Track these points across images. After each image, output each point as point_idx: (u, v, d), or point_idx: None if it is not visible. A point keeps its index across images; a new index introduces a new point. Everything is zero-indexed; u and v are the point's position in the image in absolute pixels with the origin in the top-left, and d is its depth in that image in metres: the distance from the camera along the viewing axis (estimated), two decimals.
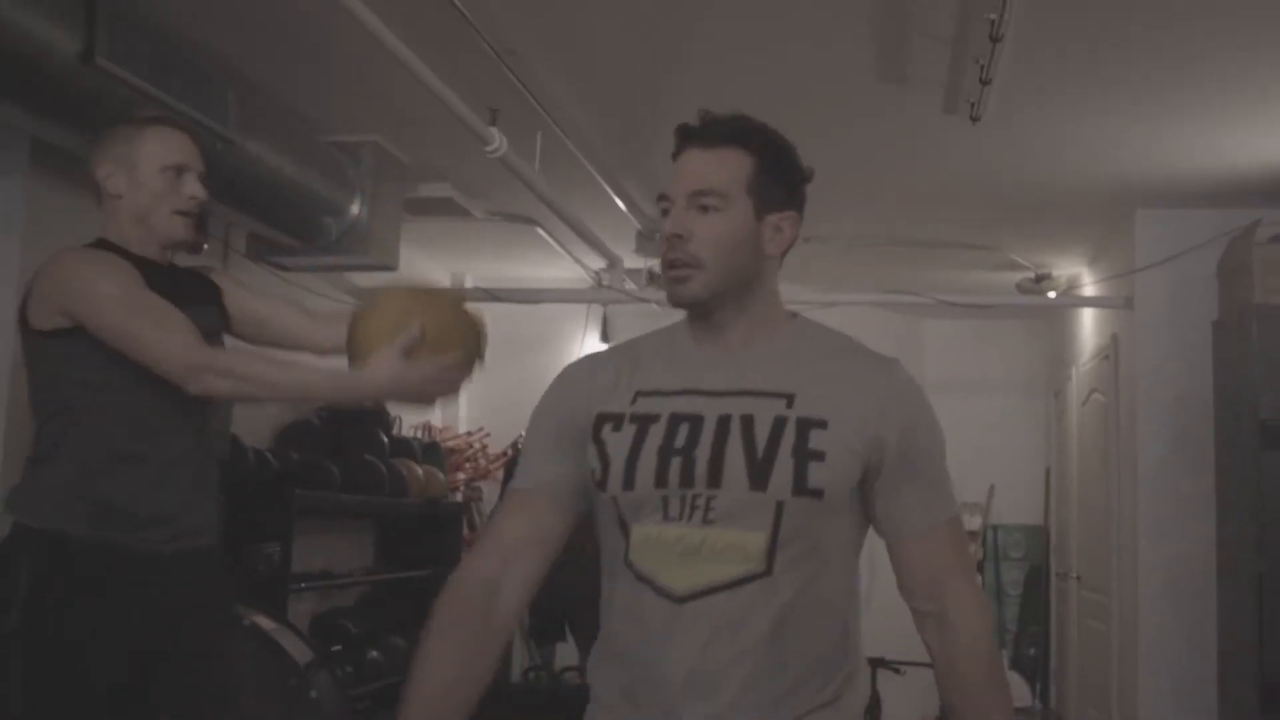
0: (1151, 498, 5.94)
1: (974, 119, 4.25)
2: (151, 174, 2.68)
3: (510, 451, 7.06)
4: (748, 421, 1.82)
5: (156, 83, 3.53)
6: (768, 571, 1.78)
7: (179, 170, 2.70)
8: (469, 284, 7.12)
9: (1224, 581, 5.66)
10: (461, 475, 6.96)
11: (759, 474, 1.78)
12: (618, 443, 1.84)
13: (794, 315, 1.99)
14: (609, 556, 1.89)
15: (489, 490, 7.14)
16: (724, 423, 1.81)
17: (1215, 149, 5.12)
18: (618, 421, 1.86)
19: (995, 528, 8.84)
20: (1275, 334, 5.31)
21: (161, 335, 2.52)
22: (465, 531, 6.69)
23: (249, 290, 2.97)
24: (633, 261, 6.63)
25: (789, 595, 1.80)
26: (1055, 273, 7.16)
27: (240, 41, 4.05)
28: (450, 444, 6.94)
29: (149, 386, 2.55)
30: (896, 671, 6.86)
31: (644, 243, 6.26)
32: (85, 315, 2.54)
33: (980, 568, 8.74)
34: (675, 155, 1.92)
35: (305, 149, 4.60)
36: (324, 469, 5.14)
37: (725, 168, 1.88)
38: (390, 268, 5.09)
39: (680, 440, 1.81)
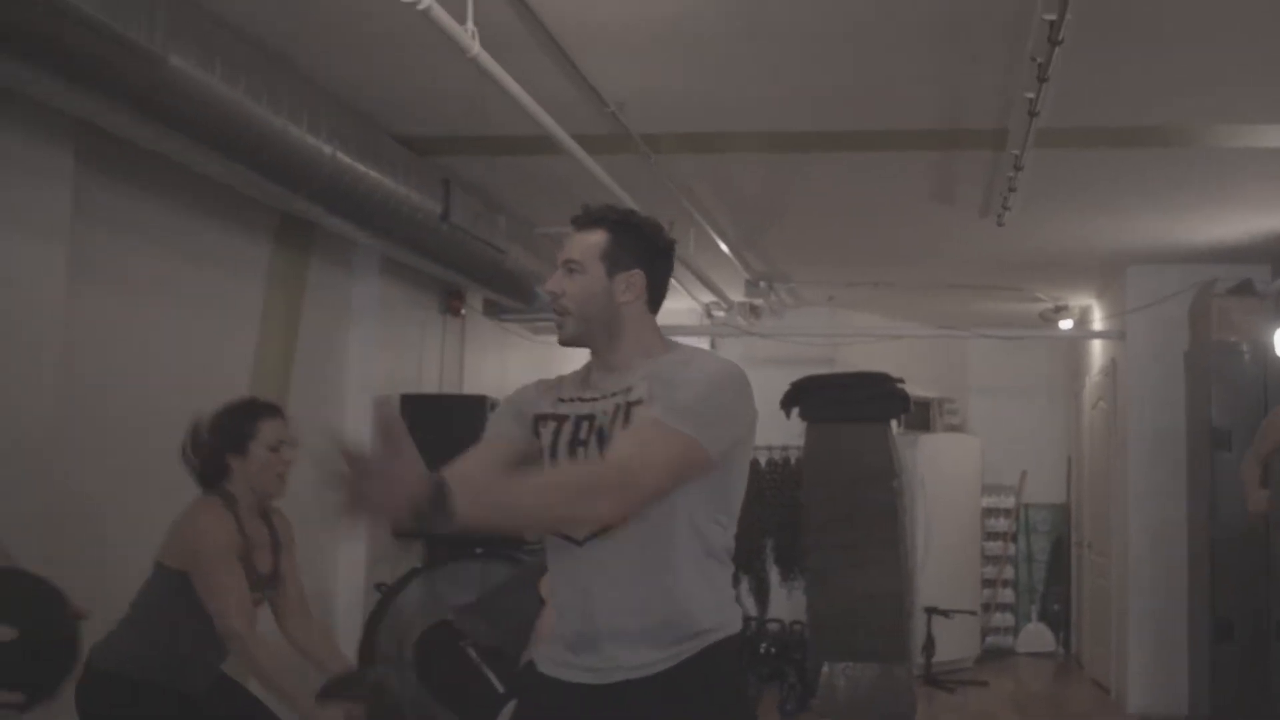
0: (1138, 483, 7.81)
1: (999, 224, 6.12)
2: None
3: None
4: (605, 413, 2.46)
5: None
6: None
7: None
8: None
9: (1190, 546, 7.54)
10: None
11: (604, 445, 2.43)
12: (546, 432, 2.53)
13: (674, 346, 2.56)
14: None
15: None
16: (592, 417, 2.47)
17: (1183, 227, 6.93)
18: (545, 419, 2.55)
19: (1026, 506, 10.67)
20: (1227, 363, 7.18)
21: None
22: None
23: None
24: (738, 297, 8.53)
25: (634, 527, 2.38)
26: (1070, 304, 9.05)
27: (481, 166, 5.78)
28: None
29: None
30: (946, 616, 8.77)
31: (750, 287, 8.21)
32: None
33: (1014, 538, 10.63)
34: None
35: (525, 239, 6.55)
36: None
37: (585, 243, 2.51)
38: None
39: (579, 430, 2.47)
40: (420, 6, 3.24)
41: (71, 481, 3.92)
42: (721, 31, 4.15)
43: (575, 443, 2.48)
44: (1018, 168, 5.12)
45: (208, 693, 3.42)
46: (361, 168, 4.58)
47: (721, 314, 8.55)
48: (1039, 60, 3.89)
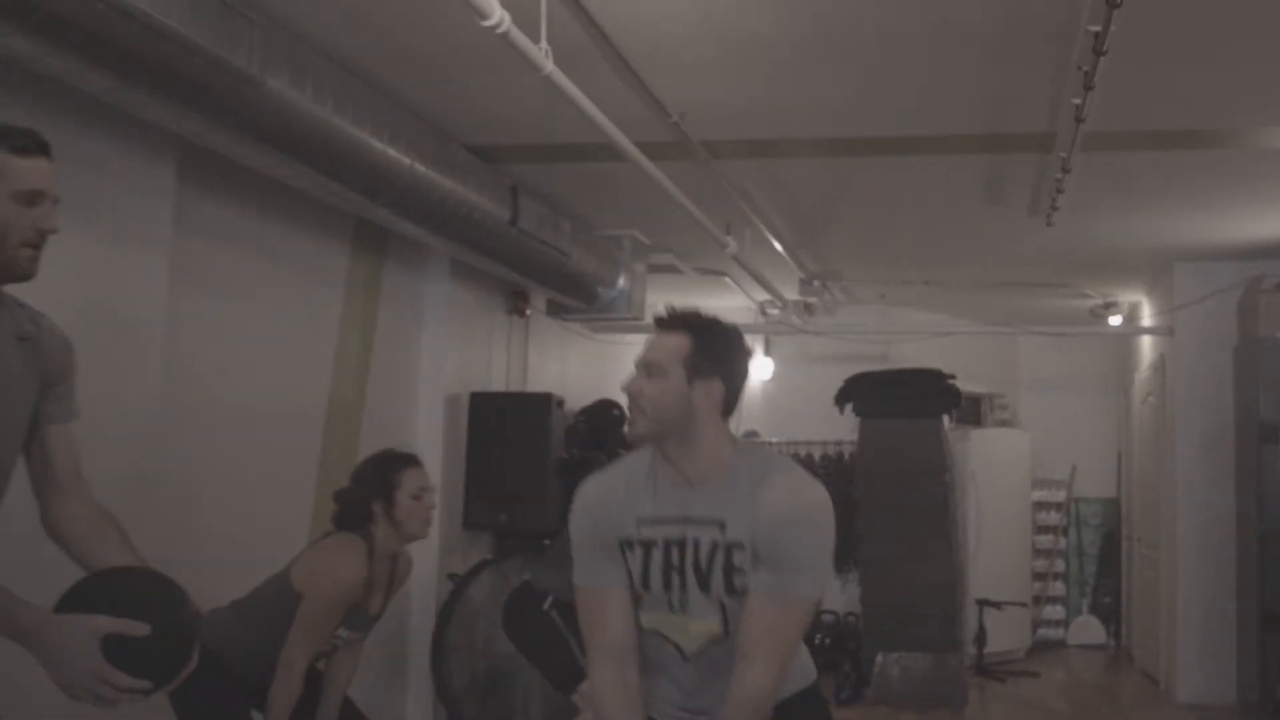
0: (1187, 477, 7.95)
1: (1049, 224, 6.28)
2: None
3: None
4: (699, 545, 2.52)
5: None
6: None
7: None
8: None
9: (1239, 539, 7.67)
10: None
11: (703, 583, 2.53)
12: (634, 559, 2.57)
13: (743, 450, 2.61)
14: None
15: None
16: (682, 544, 2.53)
17: (1230, 224, 7.06)
18: (631, 545, 2.58)
19: (1077, 500, 10.81)
20: (1275, 358, 7.30)
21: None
22: None
23: None
24: (793, 296, 8.73)
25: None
26: (1120, 299, 9.17)
27: (546, 172, 5.98)
28: None
29: None
30: (997, 608, 8.93)
31: (804, 286, 8.41)
32: None
33: (1065, 532, 10.76)
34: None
35: (588, 241, 6.78)
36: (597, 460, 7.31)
37: (668, 347, 2.55)
38: (638, 317, 7.26)
39: (670, 557, 2.55)
40: (499, 30, 3.47)
41: (174, 472, 4.18)
42: (778, 45, 4.36)
43: (669, 570, 2.55)
44: (1065, 170, 5.27)
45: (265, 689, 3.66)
46: (436, 177, 4.83)
47: (776, 312, 8.76)
48: (1085, 69, 4.07)
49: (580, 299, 7.02)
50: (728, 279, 8.42)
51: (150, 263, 4.01)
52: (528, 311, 7.08)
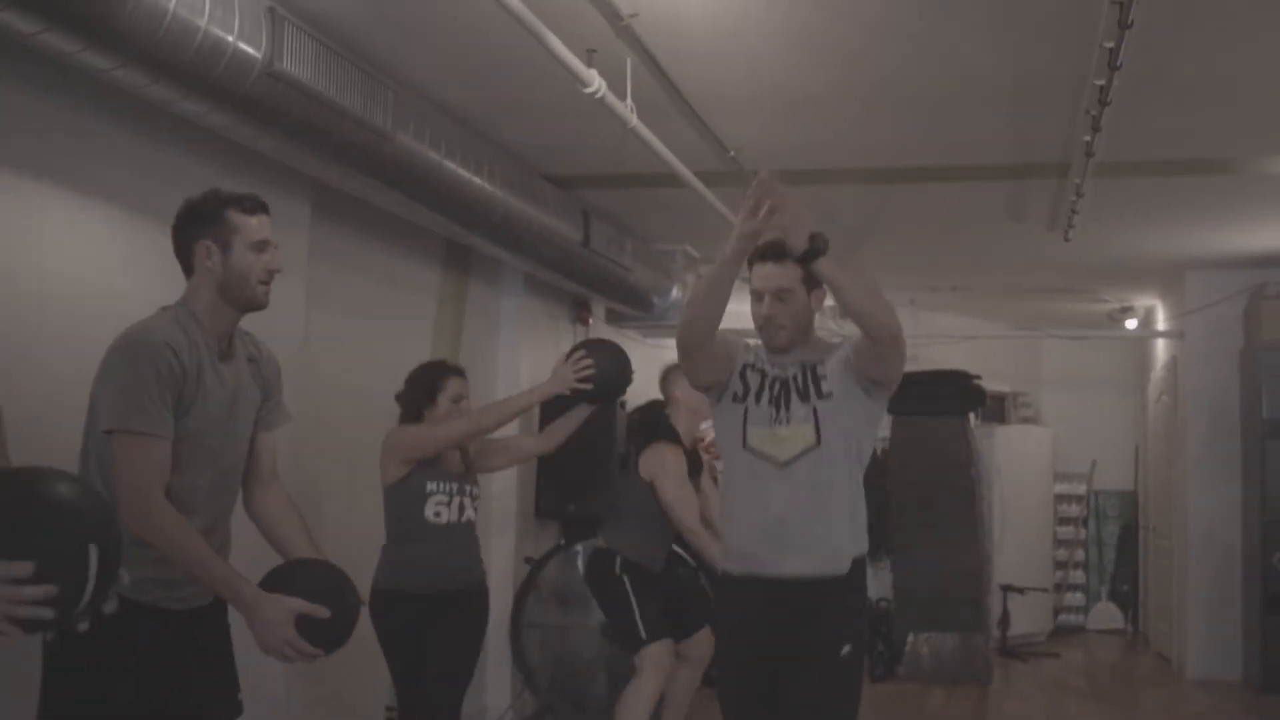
0: (1196, 470, 8.55)
1: (1066, 240, 6.90)
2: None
3: None
4: (794, 377, 3.44)
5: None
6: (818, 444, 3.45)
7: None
8: None
9: (1244, 527, 8.27)
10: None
11: (788, 402, 3.44)
12: (753, 376, 3.48)
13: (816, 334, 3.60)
14: (732, 445, 3.53)
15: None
16: (784, 381, 3.44)
17: (1237, 237, 7.64)
18: (751, 368, 3.49)
19: (1096, 493, 11.39)
20: (1277, 360, 7.91)
21: None
22: None
23: None
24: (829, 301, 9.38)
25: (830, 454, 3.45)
26: (1135, 304, 9.79)
27: (612, 196, 6.69)
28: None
29: None
30: (1020, 593, 9.55)
31: None
32: None
33: (1085, 523, 11.35)
34: (753, 263, 3.44)
35: (646, 256, 7.44)
36: None
37: (789, 274, 3.40)
38: None
39: (774, 388, 3.45)
40: (596, 95, 4.13)
41: (304, 470, 4.85)
42: (823, 96, 4.99)
43: (770, 394, 3.44)
44: (1079, 194, 5.91)
45: (454, 595, 4.48)
46: (524, 206, 5.49)
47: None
48: (1092, 113, 4.71)
49: (637, 308, 7.68)
50: None
51: (290, 288, 4.68)
52: (590, 320, 7.75)
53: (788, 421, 3.42)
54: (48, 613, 2.09)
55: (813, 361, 3.45)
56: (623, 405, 7.07)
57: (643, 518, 5.46)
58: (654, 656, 5.29)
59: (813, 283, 3.43)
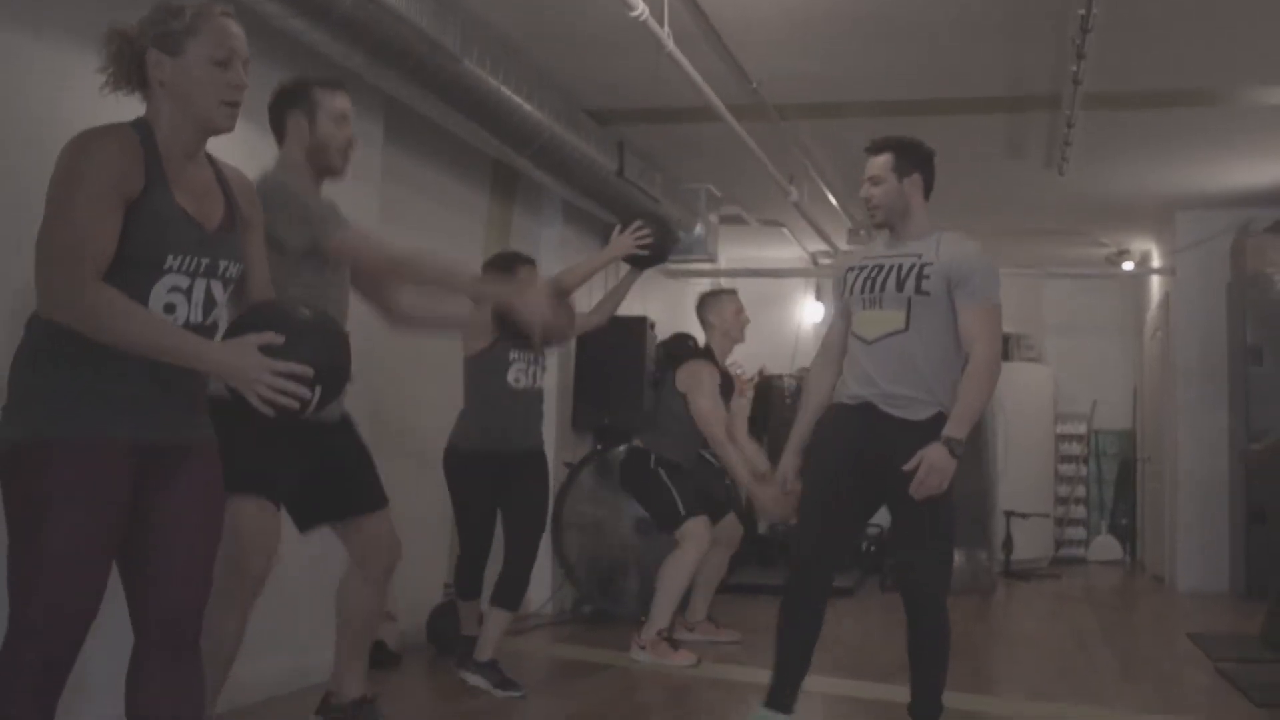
0: (1186, 397, 9.13)
1: (1061, 174, 7.47)
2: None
3: (758, 377, 10.41)
4: (898, 266, 3.88)
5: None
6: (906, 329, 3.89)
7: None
8: (729, 265, 10.55)
9: (1230, 447, 8.85)
10: None
11: (899, 284, 3.87)
12: (853, 276, 3.98)
13: (939, 228, 3.96)
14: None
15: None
16: (888, 268, 3.89)
17: (1225, 175, 8.19)
18: (853, 270, 4.01)
19: (1096, 432, 11.95)
20: (1261, 292, 8.50)
21: None
22: None
23: None
24: (843, 245, 9.95)
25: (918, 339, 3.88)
26: (1132, 248, 10.36)
27: (644, 131, 7.31)
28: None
29: None
30: (1023, 518, 10.14)
31: (852, 235, 9.63)
32: None
33: (1085, 461, 11.93)
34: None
35: (674, 192, 8.03)
36: None
37: (879, 163, 3.95)
38: (714, 259, 8.53)
39: (876, 275, 3.91)
40: (640, 19, 4.73)
41: (373, 372, 5.46)
42: (839, 24, 5.59)
43: (874, 279, 3.90)
44: (1070, 125, 6.46)
45: (524, 454, 5.10)
46: (566, 133, 6.09)
47: (828, 261, 9.99)
48: (1077, 41, 5.29)
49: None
50: (785, 229, 9.67)
51: (365, 200, 5.28)
52: None
53: (880, 305, 3.89)
54: (306, 392, 2.48)
55: (927, 261, 3.86)
56: (652, 327, 7.70)
57: (676, 426, 6.11)
58: (694, 529, 5.90)
59: (904, 170, 3.96)
